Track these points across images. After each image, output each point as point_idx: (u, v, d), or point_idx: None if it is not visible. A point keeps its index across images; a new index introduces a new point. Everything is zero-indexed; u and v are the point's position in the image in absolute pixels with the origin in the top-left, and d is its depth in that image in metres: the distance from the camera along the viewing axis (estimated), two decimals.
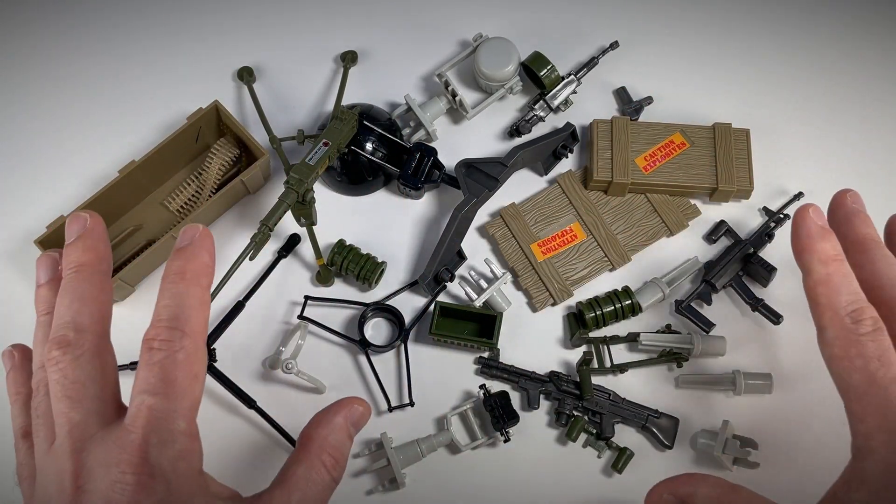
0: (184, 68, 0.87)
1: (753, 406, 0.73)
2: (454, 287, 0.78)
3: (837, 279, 0.48)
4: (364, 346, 0.74)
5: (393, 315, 0.76)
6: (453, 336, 0.73)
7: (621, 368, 0.74)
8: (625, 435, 0.73)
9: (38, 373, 0.42)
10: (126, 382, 0.40)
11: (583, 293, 0.77)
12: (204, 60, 0.87)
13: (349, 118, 0.76)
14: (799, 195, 0.79)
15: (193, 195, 0.80)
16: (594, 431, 0.72)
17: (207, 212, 0.77)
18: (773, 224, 0.78)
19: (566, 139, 0.81)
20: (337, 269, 0.76)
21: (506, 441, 0.71)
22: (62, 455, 0.38)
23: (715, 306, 0.76)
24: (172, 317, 0.40)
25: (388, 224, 0.81)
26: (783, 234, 0.78)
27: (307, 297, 0.76)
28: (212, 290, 0.46)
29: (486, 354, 0.75)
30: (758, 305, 0.74)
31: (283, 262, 0.79)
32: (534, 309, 0.77)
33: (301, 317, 0.75)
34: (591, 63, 0.84)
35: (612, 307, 0.74)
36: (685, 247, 0.79)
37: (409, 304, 0.77)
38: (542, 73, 0.81)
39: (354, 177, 0.80)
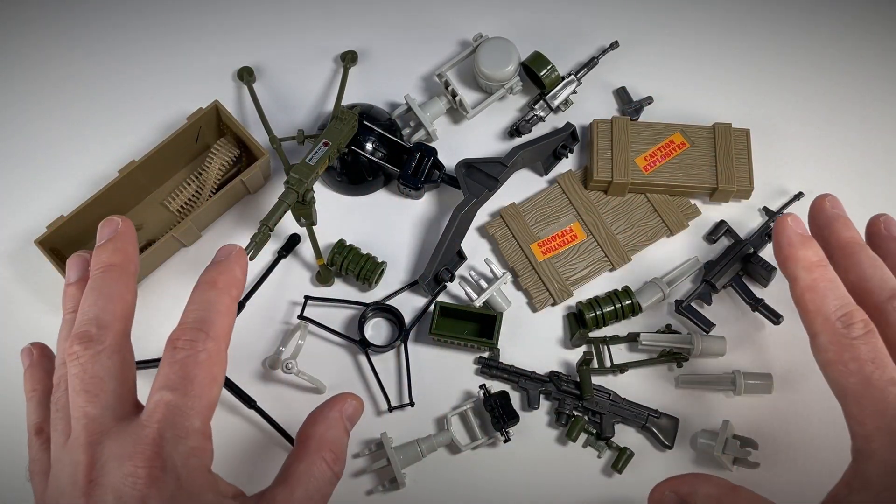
0: (184, 68, 0.87)
1: (753, 406, 0.73)
2: (454, 287, 0.78)
3: (824, 284, 0.49)
4: (364, 346, 0.74)
5: (393, 315, 0.76)
6: (453, 336, 0.73)
7: (621, 368, 0.74)
8: (625, 435, 0.73)
9: (59, 368, 0.44)
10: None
11: (583, 293, 0.77)
12: (204, 60, 0.87)
13: (349, 118, 0.76)
14: (799, 195, 0.79)
15: (193, 195, 0.80)
16: (594, 431, 0.72)
17: (207, 212, 0.77)
18: (773, 224, 0.78)
19: (566, 139, 0.81)
20: (337, 269, 0.76)
21: (506, 441, 0.71)
22: (77, 448, 0.39)
23: (715, 306, 0.76)
24: (198, 320, 0.41)
25: (388, 224, 0.81)
26: None
27: (307, 297, 0.76)
28: None
29: (486, 354, 0.75)
30: (758, 305, 0.74)
31: (283, 262, 0.79)
32: (534, 309, 0.77)
33: (301, 317, 0.75)
34: (591, 63, 0.84)
35: (612, 307, 0.74)
36: (685, 247, 0.79)
37: (409, 304, 0.77)
38: (542, 73, 0.81)
39: (354, 177, 0.80)
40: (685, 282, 0.77)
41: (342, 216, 0.81)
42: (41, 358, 0.47)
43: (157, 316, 0.76)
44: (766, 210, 0.79)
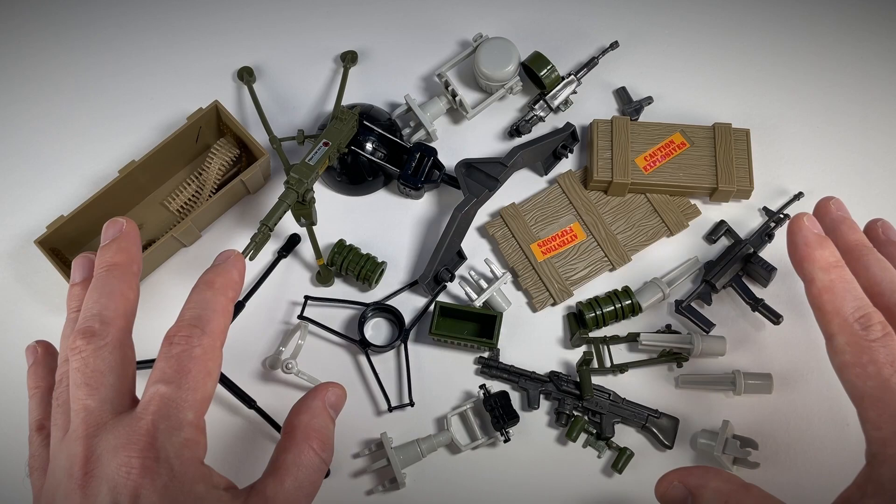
0: (184, 68, 0.87)
1: (753, 406, 0.73)
2: (454, 287, 0.78)
3: (841, 286, 0.48)
4: (364, 346, 0.74)
5: (393, 315, 0.76)
6: (453, 336, 0.73)
7: (621, 368, 0.74)
8: (625, 435, 0.73)
9: (62, 365, 0.44)
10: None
11: (583, 293, 0.77)
12: (204, 60, 0.87)
13: (349, 118, 0.76)
14: (799, 195, 0.79)
15: (193, 195, 0.80)
16: (594, 431, 0.72)
17: (207, 212, 0.77)
18: (773, 224, 0.78)
19: (566, 139, 0.81)
20: (337, 269, 0.76)
21: (506, 441, 0.71)
22: (75, 441, 0.40)
23: (715, 306, 0.76)
24: (195, 317, 0.42)
25: (388, 224, 0.81)
26: (783, 234, 0.78)
27: (307, 297, 0.76)
28: None
29: (486, 354, 0.75)
30: (758, 305, 0.74)
31: (283, 262, 0.79)
32: (534, 309, 0.77)
33: (301, 317, 0.75)
34: (591, 63, 0.84)
35: (612, 307, 0.74)
36: (685, 247, 0.79)
37: (409, 304, 0.77)
38: (542, 73, 0.81)
39: (354, 177, 0.80)
40: (685, 282, 0.77)
41: (342, 216, 0.81)
42: (45, 356, 0.48)
43: (157, 315, 0.76)
44: (765, 210, 0.79)
